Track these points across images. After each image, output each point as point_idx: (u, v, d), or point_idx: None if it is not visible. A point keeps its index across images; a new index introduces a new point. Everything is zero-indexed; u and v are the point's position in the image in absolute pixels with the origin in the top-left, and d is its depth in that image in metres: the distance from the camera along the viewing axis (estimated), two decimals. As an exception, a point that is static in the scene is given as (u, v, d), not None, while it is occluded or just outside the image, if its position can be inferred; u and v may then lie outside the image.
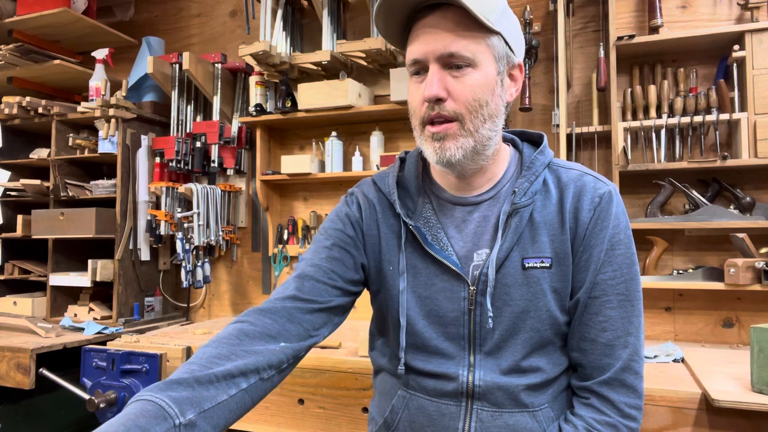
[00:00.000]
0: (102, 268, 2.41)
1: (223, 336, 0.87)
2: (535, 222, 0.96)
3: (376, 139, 2.34)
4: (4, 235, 2.68)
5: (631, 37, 1.92)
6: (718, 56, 1.98)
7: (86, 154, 2.56)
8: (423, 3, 0.91)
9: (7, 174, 2.71)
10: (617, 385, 0.92)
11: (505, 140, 1.06)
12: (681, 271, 1.94)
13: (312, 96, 2.27)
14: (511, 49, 0.95)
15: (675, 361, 1.68)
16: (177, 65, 2.54)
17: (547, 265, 0.95)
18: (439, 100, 0.90)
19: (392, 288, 1.02)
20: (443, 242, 1.00)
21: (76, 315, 2.49)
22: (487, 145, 0.95)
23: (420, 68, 0.93)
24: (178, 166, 2.47)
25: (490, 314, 0.94)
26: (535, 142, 1.06)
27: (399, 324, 1.00)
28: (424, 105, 0.92)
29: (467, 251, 0.98)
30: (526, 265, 0.95)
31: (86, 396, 1.76)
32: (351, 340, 1.91)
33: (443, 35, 0.89)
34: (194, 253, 2.46)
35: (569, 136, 2.03)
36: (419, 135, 0.96)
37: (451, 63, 0.90)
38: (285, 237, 2.50)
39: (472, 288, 0.96)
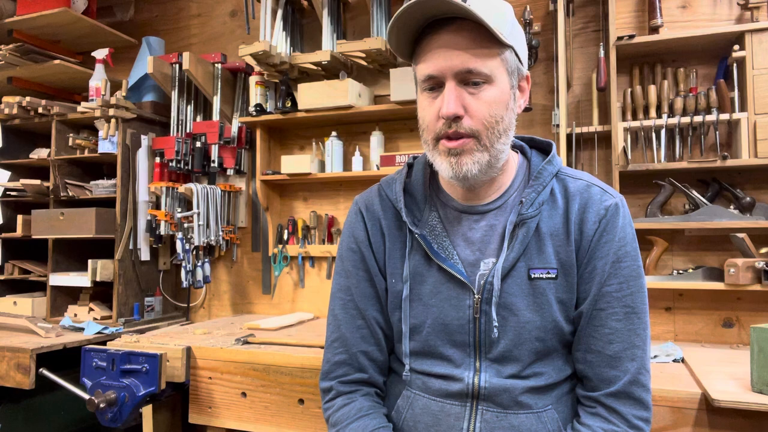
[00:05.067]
0: (102, 268, 2.41)
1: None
2: (541, 233, 0.96)
3: (376, 139, 2.34)
4: (4, 235, 2.68)
5: (631, 37, 1.92)
6: (718, 56, 1.98)
7: (86, 154, 2.56)
8: (437, 16, 0.89)
9: (7, 174, 2.71)
10: (625, 398, 0.92)
11: (513, 147, 1.05)
12: (681, 271, 1.94)
13: (312, 96, 2.27)
14: (521, 62, 0.94)
15: (675, 361, 1.68)
16: (177, 65, 2.54)
17: (553, 276, 0.95)
18: (456, 118, 0.89)
19: (396, 295, 1.02)
20: (449, 251, 1.00)
21: (76, 315, 2.49)
22: (500, 158, 0.95)
23: (434, 84, 0.91)
24: (178, 166, 2.47)
25: (496, 324, 0.94)
26: (544, 150, 1.06)
27: (402, 331, 1.01)
28: (439, 121, 0.90)
29: (474, 260, 0.98)
30: (533, 276, 0.95)
31: (86, 396, 1.76)
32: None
33: (460, 51, 0.87)
34: (194, 253, 2.46)
35: (569, 136, 2.03)
36: (431, 149, 0.94)
37: (469, 80, 0.89)
38: (285, 237, 2.50)
39: (477, 296, 0.96)
